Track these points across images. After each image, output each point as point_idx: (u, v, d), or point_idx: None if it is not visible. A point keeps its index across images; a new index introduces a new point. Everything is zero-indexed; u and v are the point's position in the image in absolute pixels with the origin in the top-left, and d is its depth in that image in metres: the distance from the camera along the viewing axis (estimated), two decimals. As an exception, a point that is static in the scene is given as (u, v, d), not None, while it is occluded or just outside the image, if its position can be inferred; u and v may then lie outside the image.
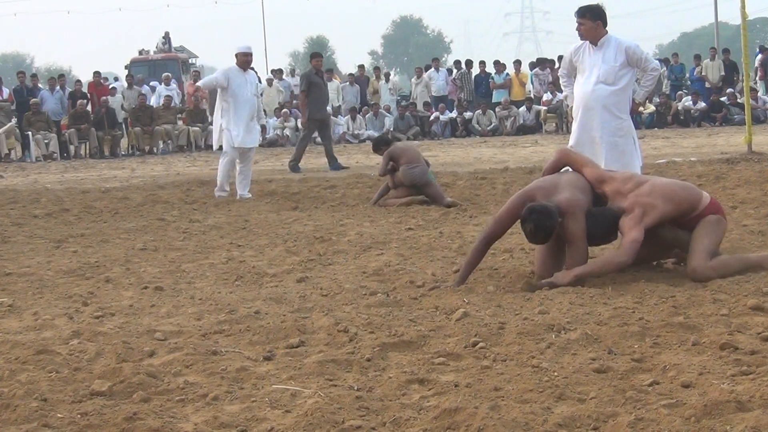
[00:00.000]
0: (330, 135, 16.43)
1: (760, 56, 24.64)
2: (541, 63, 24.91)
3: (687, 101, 23.00)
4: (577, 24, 7.73)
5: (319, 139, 22.90)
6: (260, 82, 27.37)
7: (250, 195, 11.14)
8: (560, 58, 23.28)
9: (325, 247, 7.15)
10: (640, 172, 8.03)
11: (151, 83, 25.36)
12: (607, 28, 7.76)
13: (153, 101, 23.25)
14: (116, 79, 30.12)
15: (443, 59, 46.94)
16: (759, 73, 24.00)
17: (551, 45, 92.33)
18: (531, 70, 25.34)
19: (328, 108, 17.22)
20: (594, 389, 3.39)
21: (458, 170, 13.01)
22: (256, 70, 12.33)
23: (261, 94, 25.47)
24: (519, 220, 5.24)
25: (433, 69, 25.65)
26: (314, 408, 3.26)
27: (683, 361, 3.69)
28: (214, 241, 7.78)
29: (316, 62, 15.68)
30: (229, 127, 11.16)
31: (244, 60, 11.34)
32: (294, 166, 15.03)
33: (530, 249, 6.12)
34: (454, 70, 25.47)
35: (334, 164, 15.22)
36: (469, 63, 25.33)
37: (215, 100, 11.44)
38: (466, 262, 5.44)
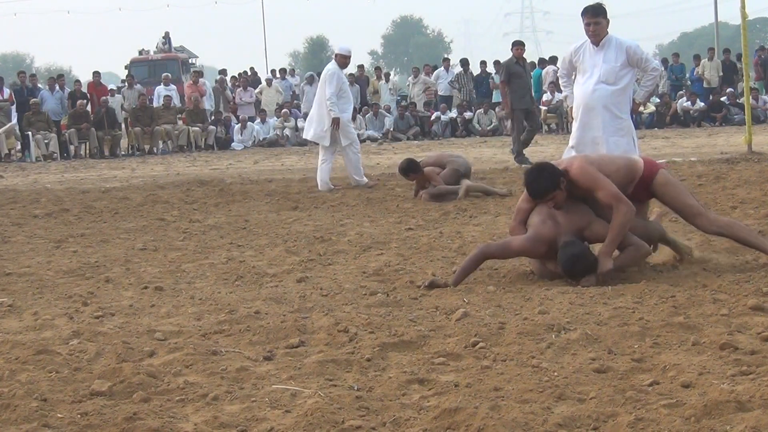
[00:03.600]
0: (536, 125, 15.79)
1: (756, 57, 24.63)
2: (552, 62, 24.80)
3: (684, 102, 22.98)
4: (589, 23, 7.62)
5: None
6: (263, 82, 27.44)
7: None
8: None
9: (325, 247, 7.15)
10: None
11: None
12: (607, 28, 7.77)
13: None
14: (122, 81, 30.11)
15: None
16: (755, 74, 23.97)
17: (551, 45, 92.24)
18: (532, 69, 25.26)
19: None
20: (594, 389, 3.39)
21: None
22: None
23: (260, 93, 25.54)
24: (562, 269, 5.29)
25: (442, 68, 25.60)
26: (314, 408, 3.26)
27: (683, 361, 3.69)
28: (214, 241, 7.78)
29: (518, 50, 14.90)
30: (350, 122, 12.06)
31: (344, 62, 11.99)
32: (521, 159, 14.30)
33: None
34: (455, 71, 25.41)
35: (520, 157, 14.47)
36: (466, 62, 25.24)
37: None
38: (462, 268, 5.49)
